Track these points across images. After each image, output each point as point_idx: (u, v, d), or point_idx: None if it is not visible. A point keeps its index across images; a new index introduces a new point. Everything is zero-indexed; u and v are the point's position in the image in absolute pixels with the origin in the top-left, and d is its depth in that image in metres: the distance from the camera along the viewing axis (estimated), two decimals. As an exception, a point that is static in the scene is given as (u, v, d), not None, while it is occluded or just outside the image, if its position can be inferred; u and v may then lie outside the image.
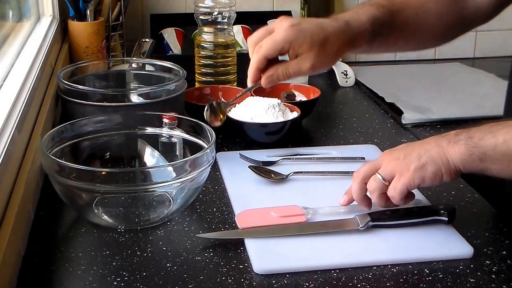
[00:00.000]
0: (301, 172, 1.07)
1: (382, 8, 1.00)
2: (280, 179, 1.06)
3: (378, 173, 0.90)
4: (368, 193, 0.93)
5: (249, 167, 1.08)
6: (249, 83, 0.98)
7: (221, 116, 1.01)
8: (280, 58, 0.97)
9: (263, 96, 1.29)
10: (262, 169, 1.08)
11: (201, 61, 1.47)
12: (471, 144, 0.85)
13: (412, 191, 0.91)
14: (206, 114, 1.01)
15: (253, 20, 1.78)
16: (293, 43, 0.93)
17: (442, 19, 1.06)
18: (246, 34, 1.77)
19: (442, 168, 0.87)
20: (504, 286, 0.82)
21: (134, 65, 1.39)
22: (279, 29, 0.94)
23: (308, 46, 0.93)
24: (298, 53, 0.94)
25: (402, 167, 0.88)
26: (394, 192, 0.89)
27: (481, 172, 0.86)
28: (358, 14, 0.98)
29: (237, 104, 1.27)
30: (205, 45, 1.46)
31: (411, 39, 1.06)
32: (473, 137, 0.86)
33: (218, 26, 1.46)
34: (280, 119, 1.22)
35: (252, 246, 0.88)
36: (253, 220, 0.93)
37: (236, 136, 1.25)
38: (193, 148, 1.02)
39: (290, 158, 1.14)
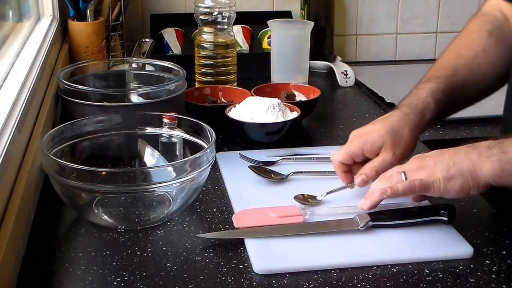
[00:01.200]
0: (301, 172, 1.07)
1: (437, 78, 1.04)
2: (280, 179, 1.06)
3: (404, 173, 0.90)
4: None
5: (249, 167, 1.08)
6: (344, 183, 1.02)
7: None
8: None
9: (263, 96, 1.29)
10: (262, 169, 1.08)
11: (201, 61, 1.47)
12: (505, 160, 0.85)
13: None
14: None
15: (253, 20, 1.78)
16: (364, 145, 0.98)
17: (494, 66, 1.08)
18: (246, 34, 1.77)
19: (470, 182, 0.87)
20: (504, 286, 0.82)
21: (134, 65, 1.39)
22: (348, 141, 1.01)
23: (379, 142, 0.97)
24: (375, 152, 0.98)
25: (429, 176, 0.88)
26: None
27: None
28: (416, 93, 1.03)
29: (237, 104, 1.27)
30: (205, 45, 1.46)
31: (474, 94, 1.09)
32: (508, 153, 0.85)
33: (218, 26, 1.46)
34: (280, 119, 1.22)
35: (252, 246, 0.88)
36: (250, 220, 0.93)
37: (236, 136, 1.25)
38: (193, 148, 1.02)
39: (290, 158, 1.14)
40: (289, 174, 1.07)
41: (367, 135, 0.99)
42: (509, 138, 0.88)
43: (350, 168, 1.01)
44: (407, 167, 0.91)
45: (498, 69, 1.09)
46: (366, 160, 1.00)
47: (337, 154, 1.00)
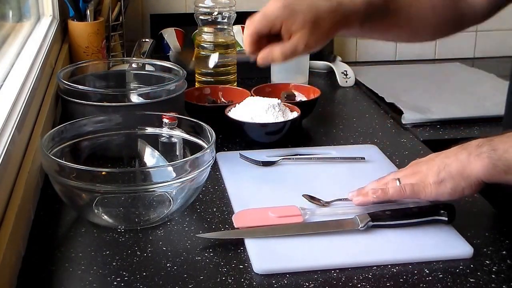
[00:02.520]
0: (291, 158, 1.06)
1: None
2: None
3: (398, 180, 0.93)
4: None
5: (303, 195, 1.01)
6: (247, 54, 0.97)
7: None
8: None
9: (263, 96, 1.29)
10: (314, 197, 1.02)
11: (201, 61, 1.47)
12: (495, 157, 0.85)
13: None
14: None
15: (253, 20, 1.78)
16: (285, 21, 0.93)
17: (436, 12, 1.05)
18: (246, 34, 1.77)
19: (461, 183, 0.88)
20: (504, 286, 0.82)
21: (134, 65, 1.39)
22: (270, 6, 0.95)
23: (300, 24, 0.93)
24: (291, 32, 0.93)
25: (421, 181, 0.90)
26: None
27: (506, 182, 0.87)
28: None
29: (237, 104, 1.27)
30: (205, 45, 1.46)
31: (405, 28, 1.06)
32: (497, 150, 0.86)
33: (218, 26, 1.46)
34: (280, 119, 1.22)
35: (252, 246, 0.88)
36: (250, 220, 0.93)
37: (236, 136, 1.25)
38: (193, 148, 1.02)
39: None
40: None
41: (293, 11, 0.94)
42: (499, 135, 0.88)
43: (259, 39, 0.96)
44: (402, 174, 0.94)
45: (436, 18, 1.06)
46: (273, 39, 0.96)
47: (256, 18, 0.96)
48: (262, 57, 0.96)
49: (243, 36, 0.97)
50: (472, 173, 0.87)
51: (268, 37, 0.96)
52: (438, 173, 0.89)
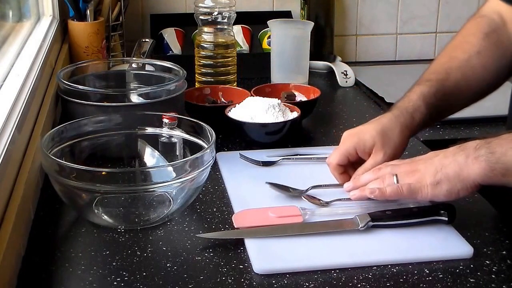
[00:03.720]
0: (321, 186, 1.04)
1: (428, 81, 1.05)
2: (298, 194, 1.01)
3: (396, 176, 0.93)
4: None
5: (266, 183, 1.03)
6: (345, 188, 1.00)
7: None
8: None
9: (263, 96, 1.29)
10: (280, 184, 1.03)
11: (201, 61, 1.47)
12: (493, 160, 0.85)
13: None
14: None
15: (253, 20, 1.78)
16: (357, 145, 1.00)
17: (488, 69, 1.08)
18: (246, 34, 1.77)
19: (458, 185, 0.88)
20: (504, 286, 0.82)
21: (134, 65, 1.39)
22: (341, 141, 1.03)
23: (370, 142, 0.99)
24: (367, 152, 1.00)
25: (418, 181, 0.91)
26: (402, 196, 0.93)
27: (503, 185, 0.87)
28: (407, 96, 1.04)
29: (237, 104, 1.27)
30: (205, 45, 1.46)
31: (466, 97, 1.09)
32: (495, 152, 0.86)
33: (218, 26, 1.46)
34: (280, 119, 1.22)
35: (252, 246, 0.88)
36: (250, 220, 0.93)
37: (236, 136, 1.25)
38: (193, 148, 1.02)
39: (290, 158, 1.14)
40: (307, 189, 1.02)
41: (359, 134, 1.01)
42: (497, 137, 0.88)
43: (346, 169, 1.03)
44: (400, 170, 0.93)
45: (493, 72, 1.08)
46: (359, 162, 1.01)
47: (333, 156, 1.02)
48: (355, 193, 0.97)
49: (330, 172, 1.04)
50: (469, 176, 0.87)
51: (353, 166, 1.02)
52: (435, 174, 0.89)
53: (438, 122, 1.40)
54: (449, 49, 1.11)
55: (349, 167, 1.03)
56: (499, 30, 1.09)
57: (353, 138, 1.01)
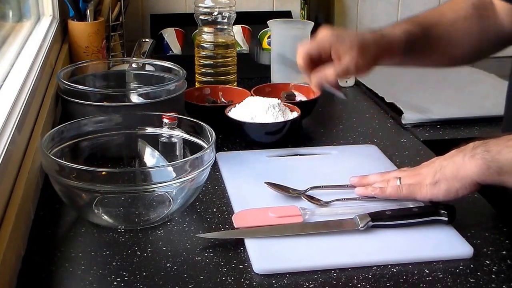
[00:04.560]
0: (320, 187, 1.03)
1: (416, 23, 1.07)
2: (298, 194, 1.01)
3: (399, 179, 0.96)
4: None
5: (265, 183, 1.03)
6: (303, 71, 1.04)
7: None
8: None
9: (263, 96, 1.29)
10: (279, 185, 1.03)
11: (201, 61, 1.47)
12: (488, 158, 0.87)
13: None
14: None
15: (253, 20, 1.78)
16: (334, 44, 1.00)
17: (471, 37, 1.10)
18: (246, 34, 1.77)
19: (456, 184, 0.90)
20: (504, 286, 0.82)
21: (134, 65, 1.39)
22: (321, 33, 1.02)
23: (348, 47, 0.99)
24: (340, 55, 1.00)
25: (418, 182, 0.94)
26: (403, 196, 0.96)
27: (500, 184, 0.88)
28: (393, 28, 1.06)
29: (237, 104, 1.27)
30: (205, 45, 1.46)
31: (445, 54, 1.12)
32: (490, 151, 0.87)
33: (218, 26, 1.46)
34: (280, 119, 1.22)
35: (252, 246, 0.88)
36: (250, 220, 0.93)
37: (236, 136, 1.25)
38: (193, 148, 1.02)
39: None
40: (307, 189, 1.02)
41: (339, 35, 1.01)
42: (494, 137, 0.89)
43: (311, 63, 1.02)
44: (404, 174, 0.97)
45: (474, 42, 1.11)
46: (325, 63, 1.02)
47: (307, 44, 1.02)
48: (316, 77, 1.02)
49: (297, 60, 1.03)
50: (466, 175, 0.88)
51: (319, 62, 1.02)
52: (434, 175, 0.92)
53: (438, 122, 1.40)
54: (440, 6, 1.15)
55: (314, 64, 1.02)
56: (487, 5, 1.11)
57: (333, 36, 1.01)
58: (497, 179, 0.87)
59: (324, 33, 1.02)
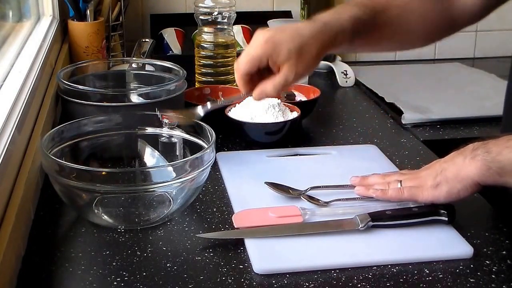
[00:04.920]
0: (320, 187, 1.03)
1: (364, 7, 1.00)
2: (298, 195, 1.01)
3: (400, 182, 0.95)
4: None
5: (265, 183, 1.03)
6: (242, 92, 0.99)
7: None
8: None
9: (263, 96, 1.29)
10: (279, 186, 1.03)
11: (201, 61, 1.47)
12: (489, 159, 0.86)
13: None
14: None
15: (253, 20, 1.78)
16: (269, 56, 0.94)
17: (426, 19, 1.05)
18: (246, 34, 1.77)
19: (457, 185, 0.89)
20: (504, 286, 0.82)
21: (134, 65, 1.39)
22: (253, 44, 0.95)
23: (285, 56, 0.93)
24: (278, 65, 0.94)
25: (419, 184, 0.93)
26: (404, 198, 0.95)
27: (501, 185, 0.88)
28: (339, 13, 0.98)
29: (237, 104, 1.27)
30: (205, 45, 1.46)
31: (395, 39, 1.06)
32: (491, 152, 0.87)
33: (218, 26, 1.46)
34: (280, 119, 1.22)
35: (252, 246, 0.88)
36: (250, 220, 0.93)
37: (236, 136, 1.25)
38: (193, 148, 1.02)
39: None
40: (307, 189, 1.02)
41: (275, 44, 0.94)
42: (494, 139, 0.89)
43: (252, 78, 0.97)
44: (405, 177, 0.97)
45: (429, 24, 1.06)
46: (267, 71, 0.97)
47: (243, 62, 0.95)
48: (256, 94, 0.97)
49: (235, 78, 0.98)
50: (467, 176, 0.88)
51: (260, 72, 0.96)
52: (435, 177, 0.92)
53: (438, 122, 1.40)
54: None
55: (256, 75, 0.97)
56: None
57: (268, 46, 0.94)
58: (498, 179, 0.87)
59: (258, 43, 0.95)
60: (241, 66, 0.96)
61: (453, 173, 0.90)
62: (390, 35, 1.04)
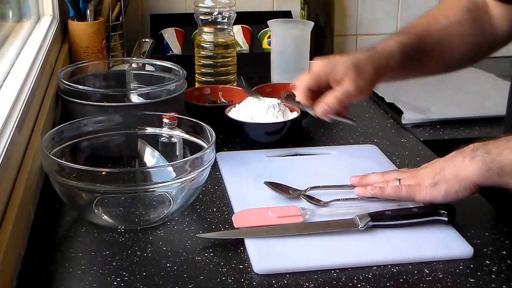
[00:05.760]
0: (319, 187, 1.03)
1: (408, 33, 1.07)
2: (297, 195, 1.01)
3: (399, 181, 0.96)
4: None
5: (264, 183, 1.03)
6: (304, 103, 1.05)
7: None
8: None
9: (263, 96, 1.29)
10: (279, 186, 1.03)
11: (201, 61, 1.47)
12: (488, 160, 0.86)
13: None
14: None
15: (253, 20, 1.78)
16: (329, 73, 1.01)
17: (466, 41, 1.10)
18: (246, 34, 1.77)
19: (455, 185, 0.90)
20: (504, 286, 0.82)
21: (134, 65, 1.39)
22: (314, 64, 1.03)
23: (343, 71, 0.99)
24: (337, 80, 1.00)
25: (417, 183, 0.94)
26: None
27: (501, 186, 0.88)
28: (386, 41, 1.05)
29: (237, 104, 1.27)
30: (205, 45, 1.46)
31: (441, 61, 1.11)
32: (491, 153, 0.87)
33: (218, 26, 1.46)
34: (280, 119, 1.22)
35: (252, 246, 0.88)
36: (250, 220, 0.93)
37: (236, 136, 1.25)
38: (193, 148, 1.02)
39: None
40: (306, 189, 1.02)
41: (333, 63, 1.01)
42: (494, 139, 0.89)
43: (313, 95, 1.03)
44: (404, 175, 0.97)
45: (469, 46, 1.10)
46: (327, 90, 1.02)
47: (303, 79, 1.02)
48: (319, 108, 1.01)
49: (297, 96, 1.05)
50: (466, 176, 0.88)
51: (321, 92, 1.02)
52: (434, 176, 0.92)
53: (438, 122, 1.40)
54: (432, 12, 1.13)
55: (316, 94, 1.02)
56: (480, 8, 1.11)
57: (326, 65, 1.01)
58: (498, 180, 0.87)
59: (318, 64, 1.02)
60: (302, 81, 1.03)
61: (452, 173, 0.90)
62: (436, 58, 1.09)
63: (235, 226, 0.93)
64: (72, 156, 1.02)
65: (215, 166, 1.11)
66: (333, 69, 1.00)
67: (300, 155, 1.18)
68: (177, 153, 1.07)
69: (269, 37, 1.70)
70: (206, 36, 1.46)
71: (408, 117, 1.39)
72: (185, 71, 1.28)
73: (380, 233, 0.91)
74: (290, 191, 1.02)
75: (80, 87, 1.21)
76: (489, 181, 0.88)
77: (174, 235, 0.93)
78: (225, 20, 1.46)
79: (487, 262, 0.86)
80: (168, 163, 1.04)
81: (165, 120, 1.07)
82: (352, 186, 1.02)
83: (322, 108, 1.01)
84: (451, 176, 0.90)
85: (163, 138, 1.07)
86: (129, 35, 1.72)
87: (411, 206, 0.95)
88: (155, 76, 1.36)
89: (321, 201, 0.99)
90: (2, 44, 1.20)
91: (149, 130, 1.08)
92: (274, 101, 1.25)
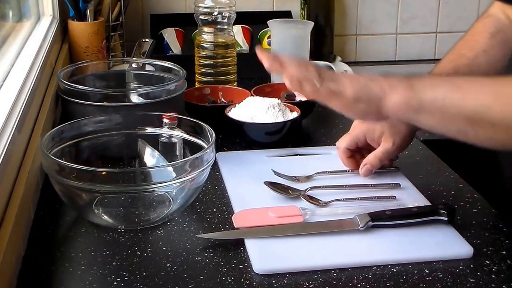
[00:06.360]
0: (319, 187, 1.03)
1: (437, 75, 1.07)
2: (298, 195, 1.01)
3: (320, 75, 0.89)
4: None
5: (264, 183, 1.03)
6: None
7: None
8: None
9: (263, 96, 1.29)
10: (279, 185, 1.03)
11: (201, 61, 1.47)
12: (410, 94, 0.84)
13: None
14: None
15: (253, 20, 1.78)
16: (366, 132, 1.07)
17: (495, 67, 1.09)
18: (246, 34, 1.77)
19: (373, 109, 0.86)
20: (504, 286, 0.82)
21: (134, 65, 1.39)
22: (353, 126, 1.10)
23: (380, 130, 1.06)
24: (375, 140, 1.07)
25: (339, 90, 0.88)
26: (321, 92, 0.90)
27: (412, 122, 0.91)
28: None
29: (237, 104, 1.27)
30: (205, 45, 1.46)
31: None
32: (414, 86, 0.85)
33: (218, 26, 1.46)
34: (280, 119, 1.22)
35: (252, 246, 0.88)
36: (250, 220, 0.93)
37: (236, 136, 1.25)
38: (193, 148, 1.02)
39: (325, 172, 1.09)
40: (306, 189, 1.02)
41: (369, 123, 1.07)
42: (424, 76, 0.89)
43: (353, 154, 1.10)
44: (327, 75, 0.89)
45: (499, 70, 1.09)
46: (367, 149, 1.09)
47: (342, 140, 1.09)
48: (364, 169, 1.07)
49: (339, 156, 1.11)
50: (386, 104, 0.85)
51: (361, 152, 1.10)
52: (359, 90, 0.86)
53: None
54: (457, 47, 1.13)
55: (357, 152, 1.10)
56: (505, 29, 1.10)
57: (363, 125, 1.08)
58: (413, 116, 0.85)
59: (357, 126, 1.09)
60: (341, 143, 1.10)
61: (377, 95, 0.85)
62: None
63: (235, 226, 0.93)
64: (72, 156, 1.02)
65: (215, 166, 1.11)
66: (370, 129, 1.07)
67: (300, 155, 1.18)
68: (177, 153, 1.07)
69: (269, 37, 1.70)
70: (206, 36, 1.46)
71: (408, 117, 1.39)
72: (185, 71, 1.28)
73: (380, 233, 0.91)
74: (290, 191, 1.02)
75: (80, 87, 1.21)
76: (405, 116, 0.87)
77: (174, 235, 0.93)
78: (225, 20, 1.46)
79: (487, 262, 0.86)
80: (168, 163, 1.04)
81: (165, 120, 1.07)
82: (352, 187, 1.02)
83: (366, 169, 1.07)
84: (376, 97, 0.85)
85: (163, 138, 1.07)
86: (129, 35, 1.72)
87: (411, 206, 0.96)
88: (155, 76, 1.36)
89: (321, 201, 0.99)
90: (2, 44, 1.20)
91: (149, 130, 1.08)
92: (274, 101, 1.25)
